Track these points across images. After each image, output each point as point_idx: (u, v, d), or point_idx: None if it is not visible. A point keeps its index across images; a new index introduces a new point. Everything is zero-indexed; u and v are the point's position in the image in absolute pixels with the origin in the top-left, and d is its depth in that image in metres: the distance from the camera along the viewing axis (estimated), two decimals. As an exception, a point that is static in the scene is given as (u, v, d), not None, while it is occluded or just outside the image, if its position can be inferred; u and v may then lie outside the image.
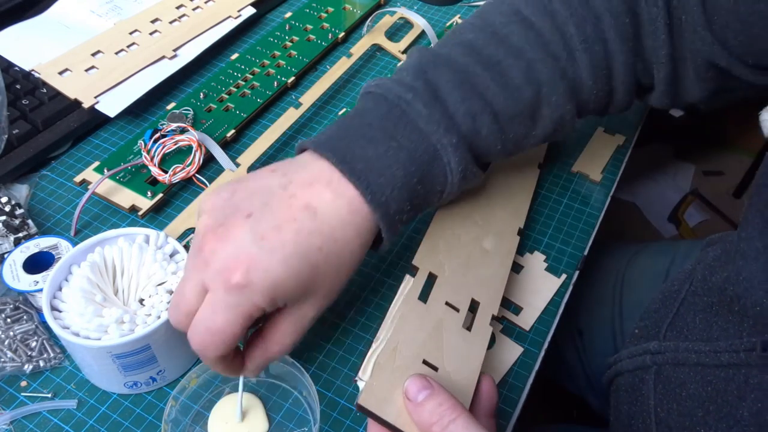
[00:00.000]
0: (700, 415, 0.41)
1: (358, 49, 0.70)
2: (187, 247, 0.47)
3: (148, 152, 0.55)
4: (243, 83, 0.65)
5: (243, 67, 0.67)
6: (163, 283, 0.43)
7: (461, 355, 0.39)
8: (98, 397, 0.44)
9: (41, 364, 0.44)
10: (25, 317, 0.46)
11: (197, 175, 0.56)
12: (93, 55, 0.64)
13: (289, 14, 0.74)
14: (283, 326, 0.38)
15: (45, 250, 0.47)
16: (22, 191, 0.55)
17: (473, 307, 0.43)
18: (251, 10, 0.73)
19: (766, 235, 0.38)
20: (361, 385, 0.38)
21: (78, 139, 0.61)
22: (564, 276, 0.52)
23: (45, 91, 0.60)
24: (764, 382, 0.37)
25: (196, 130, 0.57)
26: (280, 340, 0.38)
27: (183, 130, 0.57)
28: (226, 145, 0.60)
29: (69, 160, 0.59)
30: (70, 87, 0.60)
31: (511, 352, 0.47)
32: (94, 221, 0.54)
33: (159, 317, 0.41)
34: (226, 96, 0.64)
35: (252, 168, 0.57)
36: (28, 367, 0.44)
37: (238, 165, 0.57)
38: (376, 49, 0.72)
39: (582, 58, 0.44)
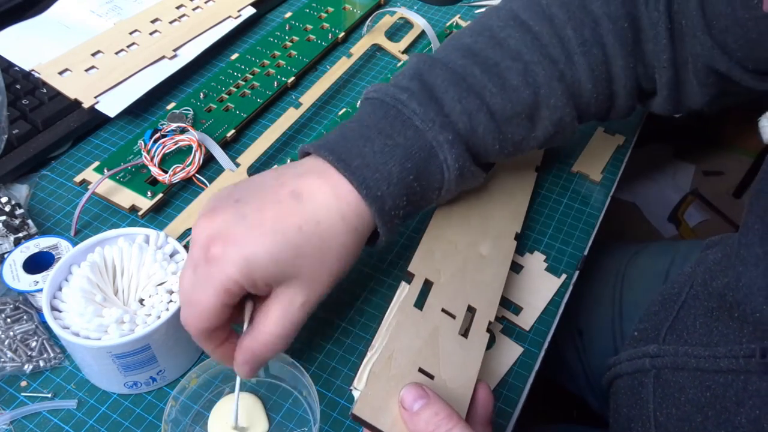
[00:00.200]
0: (699, 420, 0.41)
1: (358, 49, 0.70)
2: (187, 247, 0.47)
3: (148, 152, 0.55)
4: (243, 83, 0.65)
5: (243, 67, 0.67)
6: (163, 283, 0.43)
7: (458, 363, 0.39)
8: (98, 397, 0.44)
9: (41, 364, 0.44)
10: (25, 317, 0.46)
11: (197, 175, 0.56)
12: (93, 55, 0.64)
13: (289, 14, 0.74)
14: (270, 312, 0.37)
15: (45, 250, 0.47)
16: (22, 191, 0.55)
17: (470, 313, 0.42)
18: (251, 10, 0.73)
19: (766, 241, 0.38)
20: (356, 394, 0.38)
21: (78, 139, 0.61)
22: (564, 276, 0.52)
23: (45, 91, 0.60)
24: (763, 389, 0.37)
25: (196, 130, 0.57)
26: (268, 328, 0.37)
27: (183, 130, 0.57)
28: (226, 145, 0.60)
29: (69, 160, 0.59)
30: (70, 87, 0.60)
31: (511, 352, 0.47)
32: (94, 221, 0.54)
33: (159, 317, 0.41)
34: (226, 96, 0.64)
35: (252, 168, 0.57)
36: (28, 367, 0.44)
37: (238, 165, 0.57)
38: (376, 49, 0.72)
39: (580, 61, 0.44)
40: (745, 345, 0.39)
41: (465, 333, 0.41)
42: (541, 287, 0.51)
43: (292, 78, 0.66)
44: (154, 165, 0.55)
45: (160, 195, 0.54)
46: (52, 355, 0.45)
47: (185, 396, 0.43)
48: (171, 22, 0.69)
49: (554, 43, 0.44)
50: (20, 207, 0.52)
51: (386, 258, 0.52)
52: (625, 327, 0.63)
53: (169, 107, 0.62)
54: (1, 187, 0.54)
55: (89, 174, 0.56)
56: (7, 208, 0.51)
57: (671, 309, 0.50)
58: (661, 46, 0.44)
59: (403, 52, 0.71)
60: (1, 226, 0.50)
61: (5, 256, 0.48)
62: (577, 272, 0.52)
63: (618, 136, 0.63)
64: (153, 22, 0.69)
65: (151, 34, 0.68)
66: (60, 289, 0.43)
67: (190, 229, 0.52)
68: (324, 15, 0.74)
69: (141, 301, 0.43)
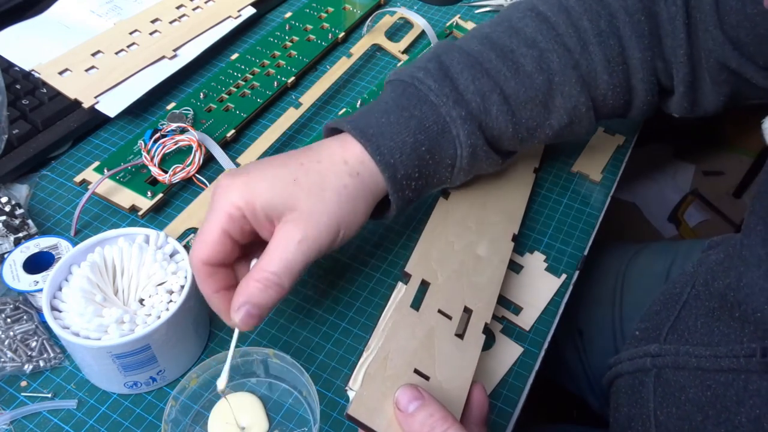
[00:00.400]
0: (699, 419, 0.41)
1: (358, 49, 0.70)
2: (187, 247, 0.47)
3: (148, 152, 0.55)
4: (243, 83, 0.65)
5: (243, 67, 0.67)
6: (163, 283, 0.43)
7: (453, 364, 0.39)
8: (98, 397, 0.44)
9: (41, 364, 0.44)
10: (25, 317, 0.46)
11: (197, 175, 0.56)
12: (93, 55, 0.64)
13: (289, 14, 0.74)
14: (268, 250, 0.39)
15: (45, 250, 0.47)
16: (22, 191, 0.55)
17: (466, 314, 0.42)
18: (251, 10, 0.73)
19: None
20: (351, 395, 0.38)
21: (78, 139, 0.61)
22: (564, 276, 0.52)
23: (45, 91, 0.60)
24: (763, 389, 0.38)
25: (196, 130, 0.57)
26: (264, 264, 0.38)
27: (183, 130, 0.57)
28: (226, 145, 0.60)
29: (69, 160, 0.59)
30: (70, 87, 0.60)
31: (511, 352, 0.47)
32: (94, 221, 0.54)
33: (159, 317, 0.41)
34: (226, 96, 0.64)
35: (252, 168, 0.57)
36: (28, 367, 0.44)
37: (238, 165, 0.57)
38: (376, 49, 0.72)
39: (596, 51, 0.46)
40: (746, 344, 0.39)
41: (461, 334, 0.41)
42: (541, 287, 0.51)
43: (292, 78, 0.66)
44: (154, 165, 0.55)
45: (160, 195, 0.54)
46: (52, 355, 0.45)
47: (185, 396, 0.43)
48: (171, 22, 0.69)
49: (570, 33, 0.46)
50: (20, 207, 0.52)
51: (386, 258, 0.53)
52: (625, 327, 0.63)
53: (169, 107, 0.62)
54: (1, 187, 0.54)
55: (89, 174, 0.56)
56: (7, 208, 0.51)
57: (673, 309, 0.50)
58: (679, 40, 0.45)
59: (403, 52, 0.71)
60: (1, 226, 0.50)
61: (5, 256, 0.48)
62: (577, 272, 0.52)
63: (618, 136, 0.63)
64: (153, 22, 0.69)
65: (151, 34, 0.68)
66: (60, 289, 0.43)
67: (190, 229, 0.52)
68: (324, 15, 0.74)
69: (141, 301, 0.43)
